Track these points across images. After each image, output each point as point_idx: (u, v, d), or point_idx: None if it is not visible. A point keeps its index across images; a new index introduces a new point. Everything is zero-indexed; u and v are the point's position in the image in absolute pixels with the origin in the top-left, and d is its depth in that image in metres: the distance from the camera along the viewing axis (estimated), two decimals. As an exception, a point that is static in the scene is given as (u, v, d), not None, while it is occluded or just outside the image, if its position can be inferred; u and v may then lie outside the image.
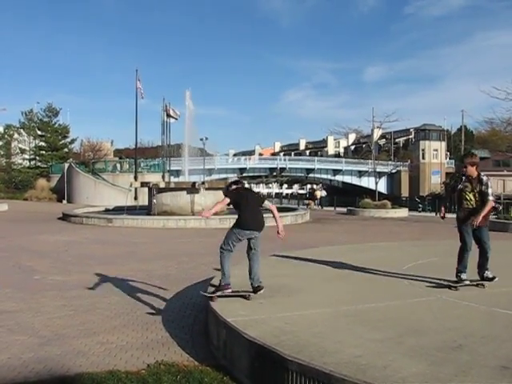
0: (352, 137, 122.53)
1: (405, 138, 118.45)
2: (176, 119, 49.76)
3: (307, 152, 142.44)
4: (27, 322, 8.09)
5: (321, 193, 62.72)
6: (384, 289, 7.71)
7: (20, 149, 71.71)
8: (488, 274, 7.98)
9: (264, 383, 5.00)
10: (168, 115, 49.69)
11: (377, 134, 58.46)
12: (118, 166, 56.94)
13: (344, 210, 39.62)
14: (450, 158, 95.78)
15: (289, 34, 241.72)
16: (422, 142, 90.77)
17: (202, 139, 66.18)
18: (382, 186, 77.83)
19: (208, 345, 6.72)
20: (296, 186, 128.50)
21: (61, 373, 5.82)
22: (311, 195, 54.97)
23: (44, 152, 70.77)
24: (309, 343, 4.99)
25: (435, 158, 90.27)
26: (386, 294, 7.28)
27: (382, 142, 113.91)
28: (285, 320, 5.83)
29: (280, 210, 34.08)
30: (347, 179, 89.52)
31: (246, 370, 5.32)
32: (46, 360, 6.25)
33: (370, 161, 72.15)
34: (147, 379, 5.44)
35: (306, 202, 53.10)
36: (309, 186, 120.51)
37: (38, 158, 71.56)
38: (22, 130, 72.32)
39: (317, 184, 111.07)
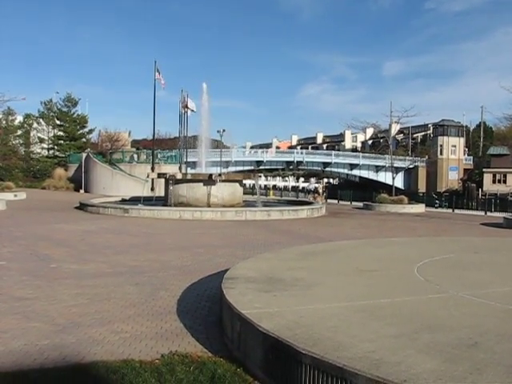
0: (370, 131, 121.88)
1: (423, 133, 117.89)
2: (193, 111, 49.85)
3: (324, 146, 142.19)
4: (43, 309, 8.16)
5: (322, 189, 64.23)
6: (399, 284, 7.67)
7: (39, 138, 72.32)
8: None
9: (277, 376, 5.00)
10: (186, 107, 49.77)
11: (395, 128, 58.00)
12: (136, 156, 57.20)
13: (360, 204, 39.46)
14: (468, 155, 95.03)
15: (308, 27, 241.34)
16: (440, 138, 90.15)
17: (219, 131, 66.30)
18: (398, 182, 77.41)
19: (222, 336, 6.74)
20: (313, 180, 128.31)
21: (76, 360, 5.86)
22: (315, 191, 55.58)
23: (62, 142, 71.31)
24: (323, 337, 4.98)
25: (453, 153, 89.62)
26: (401, 290, 7.24)
27: (400, 137, 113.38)
28: (299, 313, 5.82)
29: (296, 203, 34.17)
30: (364, 174, 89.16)
31: (260, 363, 5.32)
32: (62, 347, 6.30)
33: (387, 156, 71.74)
34: (161, 369, 5.46)
35: (310, 196, 53.40)
36: (325, 180, 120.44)
37: (56, 147, 72.13)
38: (41, 120, 72.92)
39: (333, 178, 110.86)
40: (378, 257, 10.29)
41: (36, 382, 5.15)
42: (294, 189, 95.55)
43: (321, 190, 56.25)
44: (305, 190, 76.93)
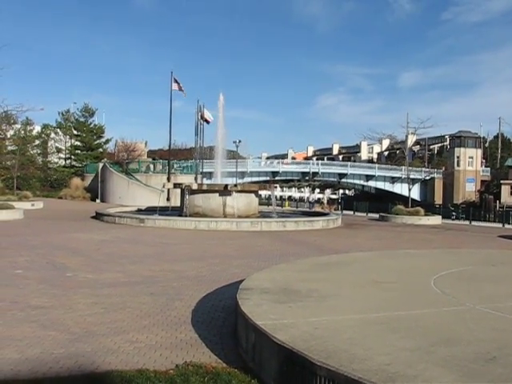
0: (386, 142, 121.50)
1: (440, 144, 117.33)
2: (209, 122, 50.06)
3: (340, 157, 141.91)
4: (59, 318, 8.19)
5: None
6: (415, 297, 7.60)
7: (56, 148, 73.00)
8: None
9: (292, 388, 4.97)
10: (202, 117, 49.98)
11: (411, 140, 57.89)
12: (152, 166, 57.46)
13: (376, 216, 39.31)
14: (485, 166, 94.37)
15: (324, 38, 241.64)
16: (457, 149, 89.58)
17: (235, 142, 66.45)
18: (415, 193, 76.97)
19: (237, 347, 6.72)
20: (328, 191, 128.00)
21: (91, 370, 5.87)
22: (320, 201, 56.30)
23: (79, 151, 71.89)
24: (338, 349, 4.94)
25: (470, 165, 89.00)
26: (418, 302, 7.18)
27: (417, 148, 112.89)
28: (314, 325, 5.78)
29: (311, 214, 34.08)
30: (380, 185, 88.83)
31: (274, 374, 5.29)
32: (77, 356, 6.32)
33: (403, 167, 71.40)
34: (175, 379, 5.45)
35: (317, 205, 53.78)
36: (341, 191, 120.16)
37: (73, 157, 72.74)
38: (58, 130, 73.62)
39: (349, 189, 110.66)
40: (394, 269, 10.22)
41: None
42: (307, 200, 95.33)
43: (325, 201, 56.93)
44: (308, 201, 76.76)
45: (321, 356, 4.70)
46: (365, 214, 45.22)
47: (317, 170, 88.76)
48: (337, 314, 6.31)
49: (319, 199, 79.22)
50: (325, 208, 46.96)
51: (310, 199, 72.56)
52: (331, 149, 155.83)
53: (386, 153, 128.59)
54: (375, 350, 4.93)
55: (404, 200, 45.14)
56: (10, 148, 60.96)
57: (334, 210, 49.02)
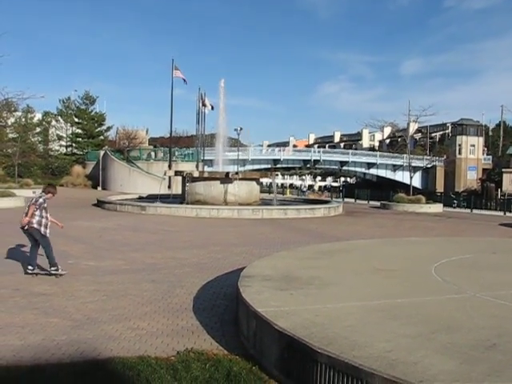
0: (387, 130, 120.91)
1: (441, 132, 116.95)
2: (211, 109, 49.93)
3: (342, 145, 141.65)
4: (61, 305, 8.23)
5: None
6: (416, 284, 7.61)
7: (57, 135, 72.85)
8: None
9: (293, 374, 5.00)
10: (203, 105, 49.86)
11: (413, 128, 57.61)
12: (153, 154, 57.41)
13: (377, 203, 39.30)
14: (487, 154, 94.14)
15: (326, 25, 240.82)
16: (458, 137, 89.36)
17: (236, 129, 66.32)
18: (416, 181, 76.95)
19: (238, 334, 6.75)
20: (330, 179, 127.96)
21: (92, 356, 5.91)
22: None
23: (80, 139, 71.77)
24: (339, 336, 4.96)
25: (472, 153, 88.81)
26: (418, 290, 7.19)
27: (418, 136, 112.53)
28: (315, 312, 5.80)
29: (313, 202, 34.11)
30: (381, 173, 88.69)
31: (275, 361, 5.32)
32: (79, 343, 6.35)
33: (404, 155, 71.15)
34: (177, 366, 5.48)
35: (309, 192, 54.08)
36: (342, 179, 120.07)
37: (74, 144, 72.63)
38: (59, 117, 73.40)
39: (350, 177, 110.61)
40: (395, 256, 10.24)
41: (54, 377, 5.18)
42: (311, 187, 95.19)
43: (316, 188, 57.84)
44: (300, 189, 76.43)
45: (322, 343, 4.72)
46: (366, 202, 45.21)
47: (318, 158, 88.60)
48: (338, 302, 6.33)
49: (311, 186, 79.05)
50: (315, 195, 47.14)
51: (302, 187, 72.43)
52: (333, 136, 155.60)
53: (388, 140, 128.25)
54: (376, 337, 4.95)
55: (405, 188, 45.15)
56: (10, 136, 60.91)
57: (325, 197, 49.41)
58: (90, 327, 7.05)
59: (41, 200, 10.14)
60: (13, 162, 47.96)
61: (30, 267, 10.28)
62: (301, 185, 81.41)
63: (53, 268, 10.12)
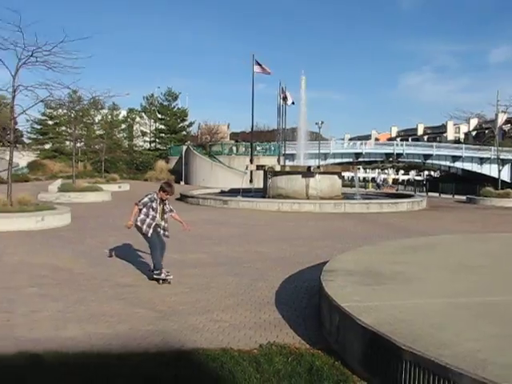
0: (473, 122, 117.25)
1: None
2: (292, 104, 49.95)
3: (425, 137, 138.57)
4: (146, 296, 8.47)
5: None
6: (507, 282, 7.33)
7: (141, 131, 74.73)
8: None
9: (376, 371, 4.93)
10: (284, 99, 49.91)
11: (501, 118, 55.45)
12: (234, 148, 57.89)
13: (463, 198, 38.14)
14: None
15: (408, 16, 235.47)
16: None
17: (317, 123, 66.09)
18: (505, 174, 74.03)
19: (320, 329, 6.72)
20: (413, 172, 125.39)
21: (177, 347, 6.04)
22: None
23: (163, 135, 73.38)
24: (424, 333, 4.83)
25: None
26: (510, 288, 6.93)
27: (507, 127, 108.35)
28: (399, 308, 5.69)
29: (396, 196, 33.48)
30: (467, 166, 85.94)
31: (359, 357, 5.26)
32: (164, 333, 6.51)
33: (492, 147, 68.73)
34: (259, 359, 5.51)
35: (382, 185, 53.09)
36: (426, 172, 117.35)
37: (157, 140, 74.35)
38: (143, 114, 75.25)
39: (434, 171, 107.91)
40: (483, 252, 9.89)
41: (141, 365, 5.32)
42: (394, 181, 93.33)
43: (390, 182, 56.50)
44: (376, 182, 74.61)
45: (407, 340, 4.62)
46: (451, 196, 43.99)
47: (401, 151, 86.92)
48: (423, 298, 6.19)
49: (385, 179, 77.19)
50: (387, 189, 46.20)
51: (378, 180, 70.82)
52: (416, 129, 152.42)
53: (474, 132, 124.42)
54: (463, 335, 4.80)
55: (493, 182, 43.61)
56: (97, 132, 63.04)
57: (396, 190, 48.43)
58: (175, 318, 7.20)
59: (145, 199, 9.55)
60: (100, 157, 49.54)
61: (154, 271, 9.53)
62: (376, 178, 79.80)
63: (155, 272, 9.38)
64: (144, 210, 9.49)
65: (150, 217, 9.48)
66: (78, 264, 11.10)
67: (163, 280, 9.32)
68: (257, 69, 47.31)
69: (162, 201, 9.69)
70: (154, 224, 9.50)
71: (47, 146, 69.32)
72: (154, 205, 9.54)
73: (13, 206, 17.50)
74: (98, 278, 9.74)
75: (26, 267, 10.71)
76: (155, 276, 9.37)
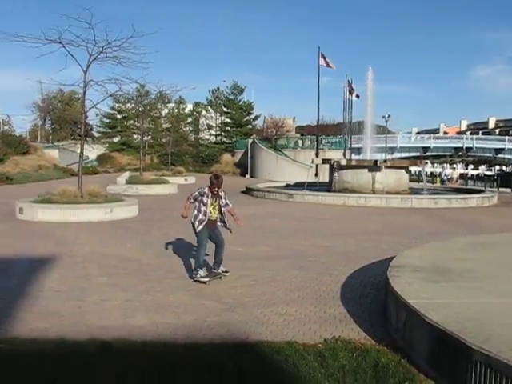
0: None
1: None
2: (358, 96, 49.39)
3: (496, 131, 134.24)
4: (211, 288, 8.57)
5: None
6: None
7: (207, 125, 75.52)
8: None
9: (444, 370, 4.82)
10: (350, 92, 49.41)
11: None
12: (300, 142, 57.80)
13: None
14: None
15: (477, 4, 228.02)
16: None
17: (384, 117, 65.12)
18: None
19: (386, 325, 6.64)
20: (483, 167, 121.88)
21: (242, 338, 6.09)
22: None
23: (229, 128, 73.92)
24: (495, 333, 4.69)
25: None
26: None
27: None
28: (468, 306, 5.55)
29: (465, 191, 32.63)
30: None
31: (426, 355, 5.16)
32: (229, 325, 6.58)
33: None
34: (324, 353, 5.48)
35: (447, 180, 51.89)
36: (497, 167, 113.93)
37: (223, 133, 74.96)
38: (209, 107, 75.97)
39: (506, 165, 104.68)
40: (558, 250, 9.53)
41: (207, 356, 5.39)
42: (462, 176, 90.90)
43: (455, 176, 54.92)
44: (441, 177, 72.21)
45: (477, 339, 4.49)
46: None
47: (470, 145, 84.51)
48: (493, 297, 6.02)
49: (462, 175, 75.19)
50: (452, 183, 44.99)
51: (443, 175, 68.73)
52: (487, 122, 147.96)
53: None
54: (537, 336, 4.64)
55: None
56: (164, 126, 64.20)
57: (459, 184, 47.29)
58: (240, 310, 7.26)
59: (196, 193, 9.08)
60: (166, 150, 50.42)
61: (212, 270, 9.29)
62: (440, 172, 77.59)
63: (194, 271, 9.09)
64: (196, 204, 9.07)
65: (202, 212, 8.97)
66: (146, 255, 11.33)
67: (199, 281, 8.86)
68: (322, 62, 46.96)
69: (215, 195, 9.10)
70: (206, 220, 8.97)
71: (115, 140, 71.19)
72: (204, 199, 9.01)
73: (83, 198, 18.02)
74: (163, 268, 9.92)
75: (96, 257, 11.03)
76: (193, 276, 9.02)
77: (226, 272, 9.24)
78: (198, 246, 9.18)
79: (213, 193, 9.03)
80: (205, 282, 8.80)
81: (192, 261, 10.25)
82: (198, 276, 8.89)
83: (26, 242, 12.87)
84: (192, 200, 9.14)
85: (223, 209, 9.18)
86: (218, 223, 9.27)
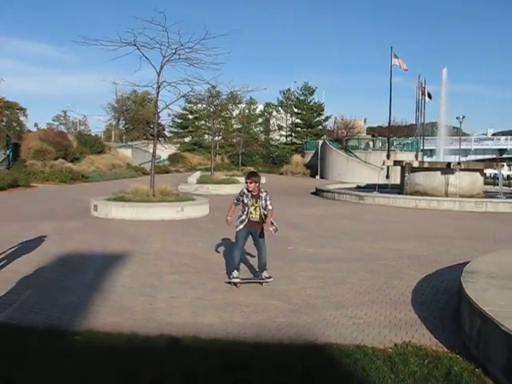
0: None
1: None
2: (429, 98, 48.39)
3: None
4: (281, 288, 8.55)
5: None
6: None
7: (278, 126, 75.69)
8: None
9: (522, 382, 4.64)
10: (423, 93, 48.43)
11: None
12: (371, 143, 57.12)
13: None
14: None
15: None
16: None
17: (458, 118, 63.49)
18: None
19: (459, 332, 6.45)
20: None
21: (311, 340, 6.06)
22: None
23: (299, 129, 73.82)
24: None
25: None
26: None
27: None
28: (548, 316, 5.33)
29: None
30: None
31: (502, 366, 4.96)
32: (298, 326, 6.57)
33: None
34: (394, 359, 5.38)
35: None
36: None
37: (293, 134, 74.91)
38: (280, 108, 76.11)
39: None
40: None
41: (276, 356, 5.39)
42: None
43: None
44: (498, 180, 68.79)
45: (557, 351, 4.31)
46: None
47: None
48: None
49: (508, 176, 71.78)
50: None
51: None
52: None
53: None
54: None
55: None
56: (235, 126, 64.80)
57: None
58: (309, 312, 7.23)
59: (237, 195, 9.06)
60: (237, 150, 50.86)
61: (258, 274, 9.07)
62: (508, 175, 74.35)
63: (230, 275, 8.81)
64: (240, 206, 8.87)
65: (245, 213, 8.72)
66: (215, 254, 11.46)
67: (229, 282, 8.69)
68: (395, 62, 46.21)
69: (254, 195, 8.79)
70: (246, 220, 8.71)
71: (187, 139, 72.42)
72: (245, 200, 8.77)
73: (155, 197, 18.39)
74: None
75: (167, 255, 11.23)
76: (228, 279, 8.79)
77: (270, 278, 8.79)
78: (235, 244, 8.94)
79: (250, 191, 8.78)
80: (235, 284, 8.58)
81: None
82: (231, 277, 8.67)
83: (100, 238, 13.25)
84: (235, 201, 9.02)
85: (262, 210, 8.79)
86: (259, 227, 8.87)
